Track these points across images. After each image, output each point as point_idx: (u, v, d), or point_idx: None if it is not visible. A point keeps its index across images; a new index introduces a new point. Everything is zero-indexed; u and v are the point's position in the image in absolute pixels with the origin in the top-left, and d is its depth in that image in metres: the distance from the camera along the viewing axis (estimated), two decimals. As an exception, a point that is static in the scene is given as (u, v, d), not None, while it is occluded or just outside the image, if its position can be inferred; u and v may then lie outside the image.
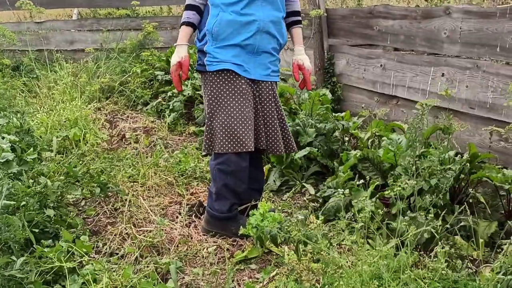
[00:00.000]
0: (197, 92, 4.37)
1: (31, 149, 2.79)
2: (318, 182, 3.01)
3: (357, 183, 2.44)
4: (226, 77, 2.21)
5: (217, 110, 2.20)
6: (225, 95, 2.20)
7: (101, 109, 4.67)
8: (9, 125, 2.96)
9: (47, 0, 6.15)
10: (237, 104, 2.19)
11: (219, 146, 2.19)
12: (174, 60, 2.24)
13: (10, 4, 5.54)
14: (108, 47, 5.66)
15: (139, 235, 2.39)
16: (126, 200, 2.73)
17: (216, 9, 2.20)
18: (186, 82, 4.59)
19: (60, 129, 3.51)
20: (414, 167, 2.14)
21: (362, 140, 3.05)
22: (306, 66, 2.40)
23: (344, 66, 4.40)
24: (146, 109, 4.78)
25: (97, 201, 2.82)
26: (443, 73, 3.41)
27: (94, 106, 4.35)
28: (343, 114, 3.39)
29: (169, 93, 4.68)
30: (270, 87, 2.34)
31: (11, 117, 3.13)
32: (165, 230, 2.46)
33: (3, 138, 2.55)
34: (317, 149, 3.04)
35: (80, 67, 5.18)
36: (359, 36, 4.23)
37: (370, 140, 3.01)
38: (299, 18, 2.41)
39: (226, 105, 2.19)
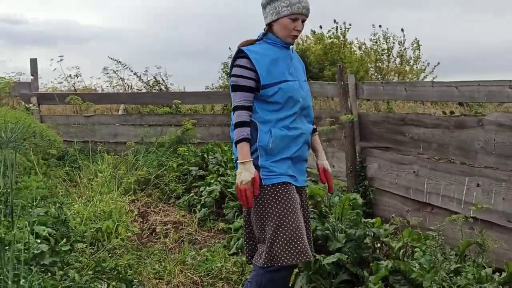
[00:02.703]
0: (228, 190, 4.45)
1: (65, 240, 2.87)
2: (347, 291, 2.90)
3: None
4: (283, 189, 2.24)
5: (283, 223, 2.20)
6: (287, 207, 2.21)
7: (135, 201, 4.78)
8: (47, 215, 3.07)
9: (97, 96, 6.67)
10: (298, 215, 2.24)
11: (283, 257, 2.18)
12: (247, 177, 2.16)
13: (59, 99, 6.01)
14: (148, 141, 5.94)
15: (160, 338, 2.33)
16: (150, 298, 2.70)
17: (266, 126, 2.25)
18: (218, 179, 4.70)
19: (94, 221, 3.60)
20: (444, 283, 2.05)
21: (393, 249, 2.96)
22: (330, 170, 2.50)
23: (376, 170, 4.42)
24: (178, 203, 4.86)
25: (122, 297, 2.79)
26: (478, 184, 3.36)
27: (129, 198, 4.47)
28: (374, 220, 3.34)
29: (201, 188, 4.77)
30: (305, 192, 2.47)
31: (50, 207, 3.26)
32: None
33: (44, 230, 2.64)
34: (346, 256, 2.97)
35: (120, 159, 5.42)
36: (391, 142, 4.29)
37: (402, 250, 2.93)
38: (315, 126, 2.57)
39: (290, 217, 2.21)
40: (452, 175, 3.59)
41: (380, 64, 13.26)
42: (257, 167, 2.21)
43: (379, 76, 12.67)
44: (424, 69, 12.84)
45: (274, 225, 2.20)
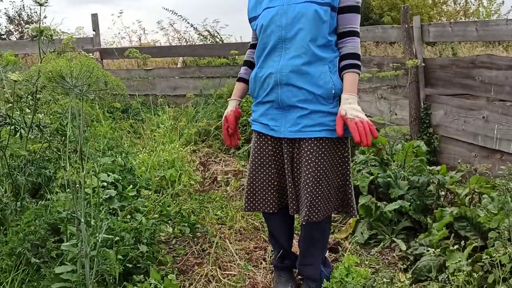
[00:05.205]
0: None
1: (131, 186, 3.01)
2: (409, 238, 2.85)
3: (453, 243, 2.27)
4: (254, 136, 2.15)
5: (247, 168, 2.26)
6: (251, 156, 2.17)
7: (197, 151, 4.91)
8: (114, 164, 3.23)
9: (156, 50, 6.76)
10: (255, 167, 2.15)
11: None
12: (224, 114, 2.25)
13: (118, 54, 6.17)
14: (207, 93, 6.00)
15: (224, 278, 2.43)
16: (213, 242, 2.80)
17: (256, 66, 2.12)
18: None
19: (158, 169, 3.74)
20: (508, 231, 1.95)
21: (459, 196, 2.85)
22: (349, 115, 1.85)
23: (442, 117, 4.21)
24: (238, 153, 4.93)
25: (187, 240, 2.92)
26: (555, 128, 3.12)
27: (190, 148, 4.58)
28: (438, 167, 3.22)
29: (261, 139, 4.79)
30: (311, 145, 1.97)
31: (117, 156, 3.42)
32: (249, 275, 2.47)
33: (108, 176, 2.78)
34: (409, 203, 2.90)
35: (180, 111, 5.54)
36: (459, 87, 4.05)
37: (468, 197, 2.81)
38: (351, 61, 1.92)
39: (250, 165, 2.19)
40: (527, 120, 3.36)
41: (445, 7, 12.35)
42: None
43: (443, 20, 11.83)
44: (498, 9, 11.80)
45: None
